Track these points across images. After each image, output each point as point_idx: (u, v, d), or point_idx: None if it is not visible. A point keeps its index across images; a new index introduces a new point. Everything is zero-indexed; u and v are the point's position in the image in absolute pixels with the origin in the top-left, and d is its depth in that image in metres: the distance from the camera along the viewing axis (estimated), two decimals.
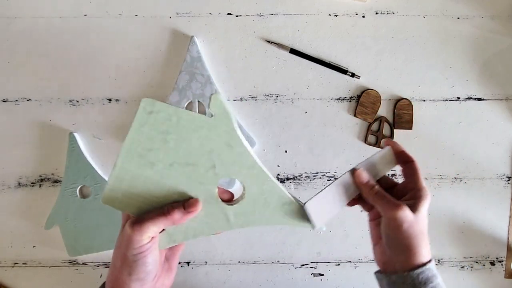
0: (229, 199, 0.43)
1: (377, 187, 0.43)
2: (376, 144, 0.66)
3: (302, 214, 0.42)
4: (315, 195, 0.42)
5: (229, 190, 0.43)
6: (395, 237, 0.42)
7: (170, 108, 0.39)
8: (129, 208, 0.41)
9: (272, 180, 0.41)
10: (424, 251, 0.42)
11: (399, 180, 0.47)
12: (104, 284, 0.43)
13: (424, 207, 0.42)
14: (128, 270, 0.40)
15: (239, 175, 0.40)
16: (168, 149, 0.40)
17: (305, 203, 0.42)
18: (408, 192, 0.44)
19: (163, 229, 0.42)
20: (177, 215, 0.40)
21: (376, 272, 0.46)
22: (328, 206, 0.43)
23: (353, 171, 0.44)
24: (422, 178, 0.44)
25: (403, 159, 0.46)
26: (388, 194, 0.43)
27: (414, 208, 0.42)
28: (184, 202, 0.40)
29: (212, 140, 0.39)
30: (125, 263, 0.40)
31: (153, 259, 0.40)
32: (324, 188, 0.43)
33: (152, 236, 0.40)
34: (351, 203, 0.46)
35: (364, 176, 0.44)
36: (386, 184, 0.46)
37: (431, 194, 0.66)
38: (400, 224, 0.41)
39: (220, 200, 0.41)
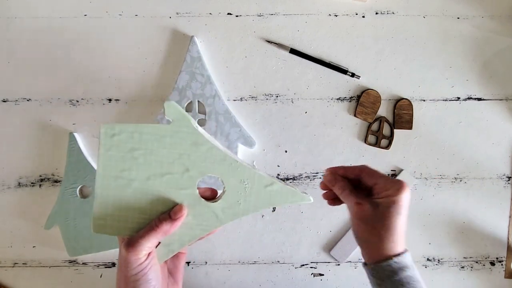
0: (213, 195, 0.44)
1: (342, 182, 0.45)
2: (376, 144, 0.66)
3: (289, 190, 0.43)
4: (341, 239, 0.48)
5: (210, 187, 0.44)
6: (360, 232, 0.44)
7: (129, 126, 0.40)
8: (120, 231, 0.42)
9: (247, 167, 0.42)
10: (388, 245, 0.42)
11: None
12: None
13: (390, 201, 0.42)
14: None
15: (213, 171, 0.41)
16: (140, 165, 0.41)
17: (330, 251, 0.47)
18: (382, 188, 0.44)
19: (158, 243, 0.42)
20: (165, 226, 0.40)
21: (362, 264, 0.48)
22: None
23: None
24: (383, 173, 0.45)
25: (355, 173, 0.46)
26: (355, 193, 0.44)
27: (377, 204, 0.42)
28: (169, 212, 0.41)
29: (177, 145, 0.40)
30: (128, 284, 0.41)
31: (155, 275, 0.41)
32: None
33: (148, 253, 0.40)
34: (332, 202, 0.48)
35: (329, 176, 0.46)
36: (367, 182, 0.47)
37: (431, 194, 0.66)
38: (360, 220, 0.43)
39: (203, 200, 0.42)
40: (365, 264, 0.45)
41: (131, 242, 0.40)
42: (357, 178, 0.46)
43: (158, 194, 0.41)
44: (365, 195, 0.45)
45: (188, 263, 0.67)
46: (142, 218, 0.41)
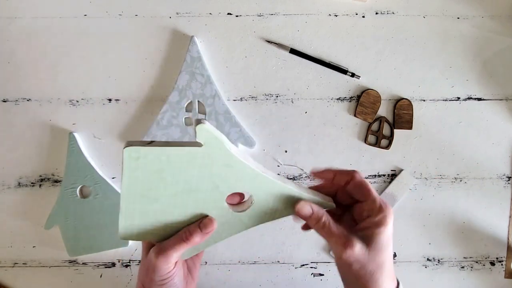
0: (240, 200, 0.43)
1: (324, 218, 0.38)
2: (376, 144, 0.66)
3: (315, 200, 0.41)
4: None
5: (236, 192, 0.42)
6: (348, 277, 0.38)
7: (155, 149, 0.38)
8: (147, 237, 0.41)
9: (277, 182, 0.41)
10: (384, 285, 0.37)
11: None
12: None
13: (382, 236, 0.36)
14: None
15: (244, 187, 0.40)
16: (167, 184, 0.39)
17: None
18: (365, 215, 0.38)
19: None
20: (196, 238, 0.40)
21: None
22: None
23: (295, 202, 0.40)
24: (375, 194, 0.39)
25: (345, 179, 0.41)
26: (337, 228, 0.38)
27: (368, 240, 0.36)
28: (200, 223, 0.40)
29: (208, 165, 0.39)
30: (153, 287, 0.41)
31: (179, 279, 0.42)
32: None
33: (176, 261, 0.41)
34: (305, 227, 0.43)
35: (306, 209, 0.39)
36: (348, 199, 0.42)
37: (431, 194, 0.66)
38: (350, 265, 0.36)
39: (231, 210, 0.41)
40: None
41: (162, 250, 0.39)
42: (336, 188, 0.42)
43: (185, 207, 0.40)
44: (348, 224, 0.40)
45: None
46: (170, 227, 0.41)
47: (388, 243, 0.37)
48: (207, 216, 0.41)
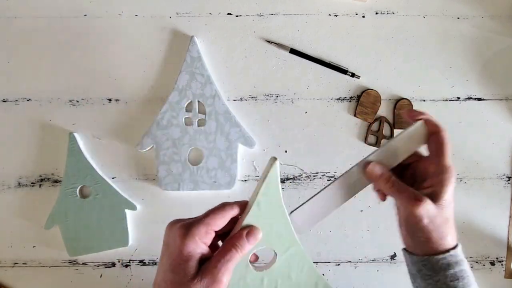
0: (255, 259, 0.42)
1: (393, 178, 0.41)
2: (376, 144, 0.66)
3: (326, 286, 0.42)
4: (302, 204, 0.42)
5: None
6: (415, 230, 0.41)
7: None
8: None
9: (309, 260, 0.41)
10: (448, 239, 0.40)
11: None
12: None
13: (448, 193, 0.40)
14: None
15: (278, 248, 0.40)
16: None
17: (291, 213, 0.41)
18: (432, 173, 0.41)
19: None
20: (246, 246, 0.38)
21: (403, 249, 0.45)
22: (319, 211, 0.43)
23: (364, 165, 0.42)
24: (449, 154, 0.41)
25: (433, 129, 0.42)
26: (405, 185, 0.41)
27: (436, 197, 0.39)
28: (247, 232, 0.38)
29: None
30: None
31: None
32: (314, 195, 0.42)
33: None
34: (383, 197, 0.45)
35: (377, 170, 0.42)
36: (410, 157, 0.43)
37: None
38: (420, 219, 0.39)
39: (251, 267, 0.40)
40: (410, 253, 0.43)
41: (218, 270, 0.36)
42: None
43: None
44: (409, 182, 0.42)
45: None
46: None
47: (451, 201, 0.40)
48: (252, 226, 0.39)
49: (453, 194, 0.40)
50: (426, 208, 0.39)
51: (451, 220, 0.41)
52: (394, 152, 0.43)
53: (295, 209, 0.42)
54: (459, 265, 0.41)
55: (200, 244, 0.36)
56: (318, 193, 0.43)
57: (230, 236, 0.38)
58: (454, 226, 0.41)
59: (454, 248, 0.41)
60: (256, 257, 0.43)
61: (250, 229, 0.38)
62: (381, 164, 0.42)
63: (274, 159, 0.37)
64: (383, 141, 0.66)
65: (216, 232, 0.38)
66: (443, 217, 0.40)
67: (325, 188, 0.43)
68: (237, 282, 0.40)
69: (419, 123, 0.43)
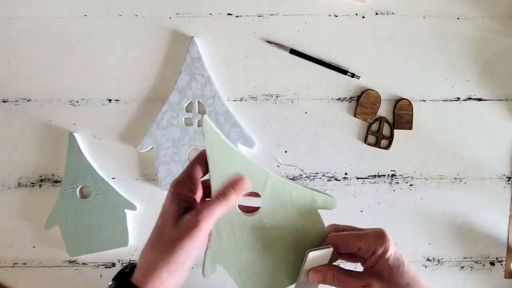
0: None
1: (335, 273, 0.41)
2: (376, 144, 0.66)
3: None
4: None
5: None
6: None
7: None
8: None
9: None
10: None
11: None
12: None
13: (389, 263, 0.38)
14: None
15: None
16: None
17: None
18: (364, 252, 0.40)
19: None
20: (232, 197, 0.38)
21: None
22: None
23: (306, 276, 0.42)
24: (358, 234, 0.41)
25: (336, 243, 0.42)
26: (348, 279, 0.40)
27: (380, 272, 0.38)
28: (232, 182, 0.39)
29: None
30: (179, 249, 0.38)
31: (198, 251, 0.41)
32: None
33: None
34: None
35: (318, 277, 0.41)
36: (346, 248, 0.42)
37: (431, 195, 0.66)
38: None
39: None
40: None
41: (206, 212, 0.37)
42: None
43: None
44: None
45: None
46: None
47: (399, 265, 0.39)
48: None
49: (397, 256, 0.39)
50: None
51: (412, 280, 0.39)
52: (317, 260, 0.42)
53: None
54: None
55: (185, 192, 0.38)
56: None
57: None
58: (419, 281, 0.39)
59: None
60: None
61: (237, 179, 0.39)
62: (319, 266, 0.42)
63: (202, 115, 0.38)
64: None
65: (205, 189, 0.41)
66: (400, 286, 0.38)
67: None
68: (239, 232, 0.41)
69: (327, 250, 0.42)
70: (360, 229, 0.43)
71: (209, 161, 0.39)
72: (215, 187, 0.39)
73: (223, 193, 0.38)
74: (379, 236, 0.39)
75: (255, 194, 0.41)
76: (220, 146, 0.38)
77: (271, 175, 0.40)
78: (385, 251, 0.38)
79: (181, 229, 0.37)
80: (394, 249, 0.39)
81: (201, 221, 0.36)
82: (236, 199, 0.38)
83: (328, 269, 0.42)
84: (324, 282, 0.41)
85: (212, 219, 0.37)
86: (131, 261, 0.42)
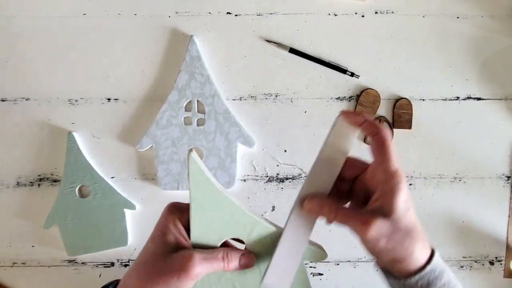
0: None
1: (334, 206, 0.37)
2: None
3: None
4: (268, 267, 0.38)
5: None
6: (377, 254, 0.36)
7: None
8: None
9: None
10: (416, 254, 0.35)
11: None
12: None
13: (399, 202, 0.34)
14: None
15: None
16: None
17: (263, 277, 0.38)
18: (378, 181, 0.36)
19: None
20: (232, 264, 0.38)
21: (380, 270, 0.41)
22: (288, 264, 0.38)
23: (300, 204, 0.38)
24: (393, 157, 0.36)
25: (369, 131, 0.38)
26: (349, 211, 0.37)
27: (387, 209, 0.34)
28: (242, 255, 0.38)
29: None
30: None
31: None
32: (274, 251, 0.38)
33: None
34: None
35: (315, 205, 0.37)
36: (353, 170, 0.39)
37: (430, 194, 0.66)
38: (376, 243, 0.34)
39: None
40: (387, 275, 0.38)
41: (204, 261, 0.36)
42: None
43: None
44: (358, 203, 0.38)
45: None
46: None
47: (408, 207, 0.35)
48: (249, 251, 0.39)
49: (408, 199, 0.35)
50: (378, 229, 0.33)
51: (415, 228, 0.36)
52: (326, 167, 0.38)
53: (265, 273, 0.39)
54: (440, 278, 0.36)
55: (181, 227, 0.38)
56: (276, 248, 0.39)
57: (228, 246, 0.39)
58: (421, 232, 0.36)
59: (429, 261, 0.36)
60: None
61: (247, 255, 0.38)
62: (317, 194, 0.38)
63: (190, 151, 0.36)
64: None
65: None
66: (402, 229, 0.34)
67: (281, 240, 0.39)
68: (215, 279, 0.39)
69: (337, 119, 0.38)
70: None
71: (192, 204, 0.37)
72: (195, 233, 0.37)
73: (229, 258, 0.37)
74: (397, 171, 0.35)
75: (240, 241, 0.39)
76: (207, 189, 0.37)
77: (259, 222, 0.38)
78: (397, 189, 0.35)
79: (171, 266, 0.36)
80: (405, 192, 0.35)
81: (191, 269, 0.35)
82: (236, 269, 0.38)
83: (326, 199, 0.38)
84: (320, 212, 0.37)
85: (203, 273, 0.36)
86: (115, 279, 0.42)
